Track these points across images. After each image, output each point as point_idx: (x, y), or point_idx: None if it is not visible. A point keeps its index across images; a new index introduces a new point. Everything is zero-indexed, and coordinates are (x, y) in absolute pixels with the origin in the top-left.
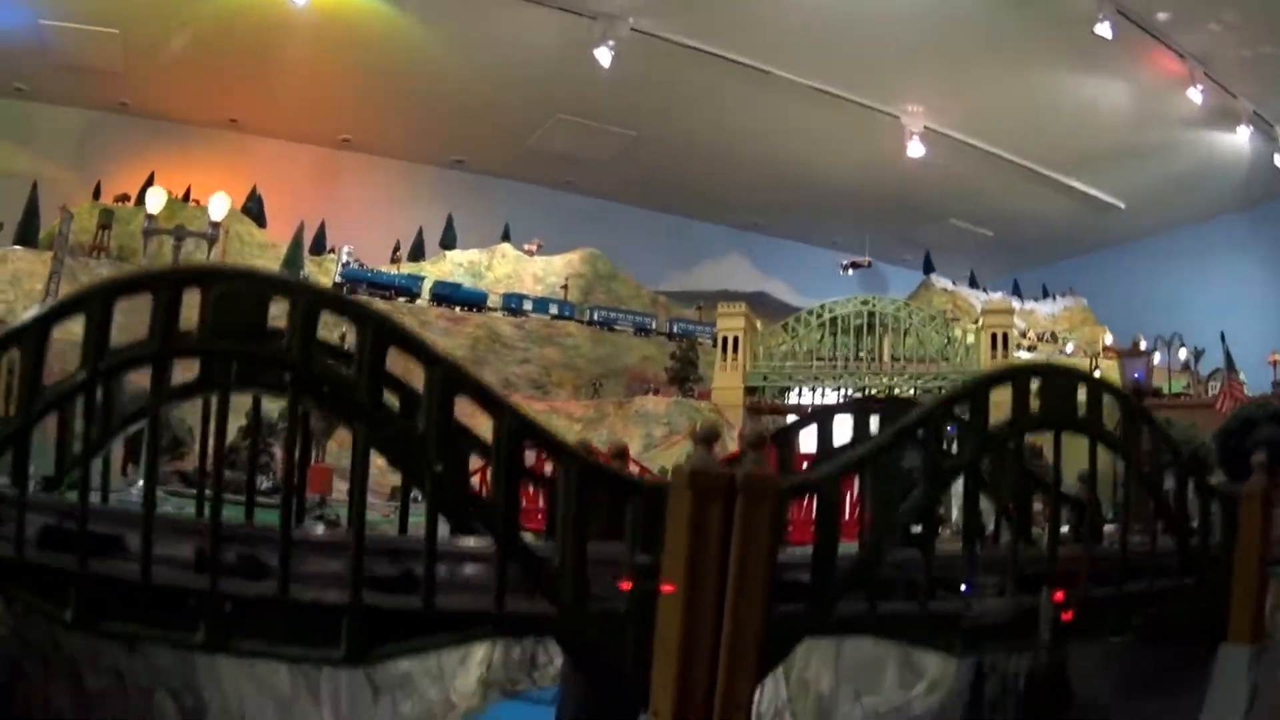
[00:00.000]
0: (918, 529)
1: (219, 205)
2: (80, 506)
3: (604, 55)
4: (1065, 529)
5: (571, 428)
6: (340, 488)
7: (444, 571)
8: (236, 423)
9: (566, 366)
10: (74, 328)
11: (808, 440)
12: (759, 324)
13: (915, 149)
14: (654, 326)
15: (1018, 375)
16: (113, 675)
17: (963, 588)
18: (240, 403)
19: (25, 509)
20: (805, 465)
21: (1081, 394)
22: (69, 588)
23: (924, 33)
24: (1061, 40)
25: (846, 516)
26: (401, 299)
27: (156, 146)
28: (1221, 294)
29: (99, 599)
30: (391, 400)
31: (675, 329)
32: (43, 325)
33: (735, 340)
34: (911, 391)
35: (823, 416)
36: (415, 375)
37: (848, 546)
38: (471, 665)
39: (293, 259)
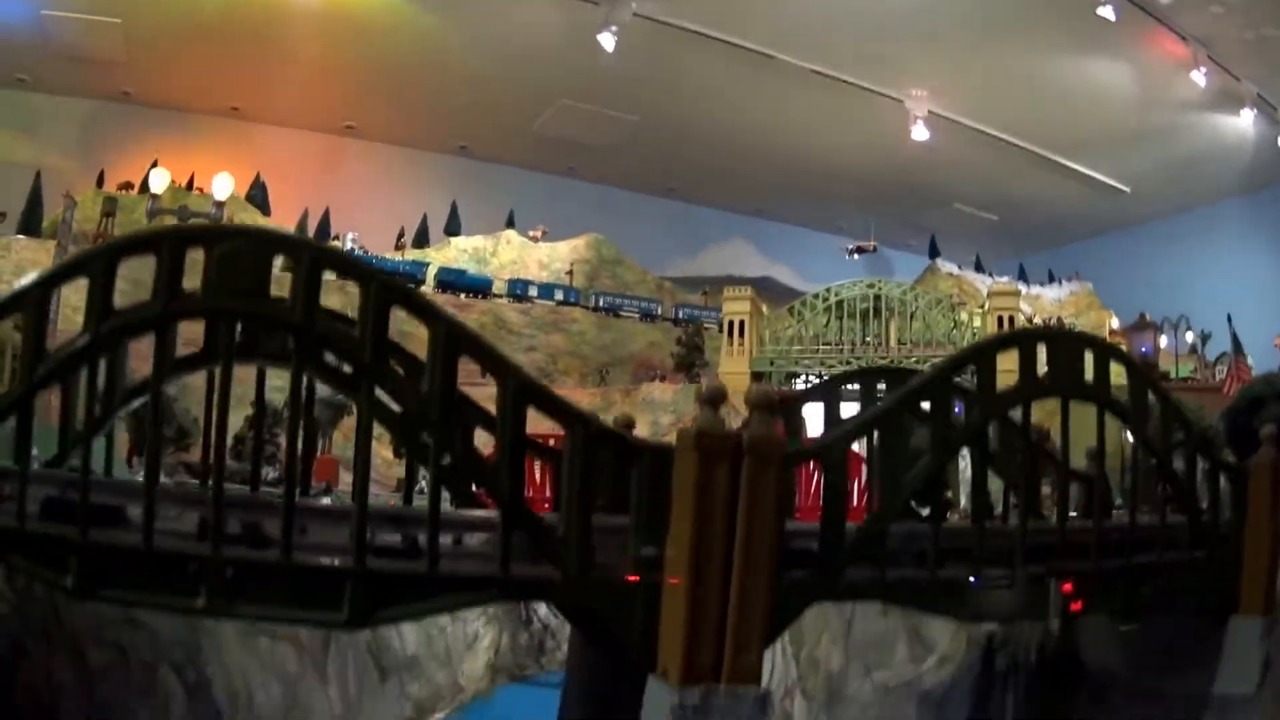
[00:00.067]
0: (925, 511)
1: (223, 185)
2: (82, 474)
3: (607, 40)
4: (1074, 513)
5: None
6: (346, 480)
7: (449, 541)
8: (242, 413)
9: (573, 354)
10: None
11: (814, 423)
12: (764, 308)
13: (919, 133)
14: (660, 312)
15: (1024, 339)
16: (115, 650)
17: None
18: (245, 394)
19: (28, 478)
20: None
21: (1089, 360)
22: (70, 556)
23: (927, 17)
24: (1064, 23)
25: (855, 503)
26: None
27: (159, 135)
28: (1227, 278)
29: (100, 567)
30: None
31: (681, 314)
32: (45, 288)
33: (741, 324)
34: None
35: (829, 387)
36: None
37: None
38: (479, 650)
39: None
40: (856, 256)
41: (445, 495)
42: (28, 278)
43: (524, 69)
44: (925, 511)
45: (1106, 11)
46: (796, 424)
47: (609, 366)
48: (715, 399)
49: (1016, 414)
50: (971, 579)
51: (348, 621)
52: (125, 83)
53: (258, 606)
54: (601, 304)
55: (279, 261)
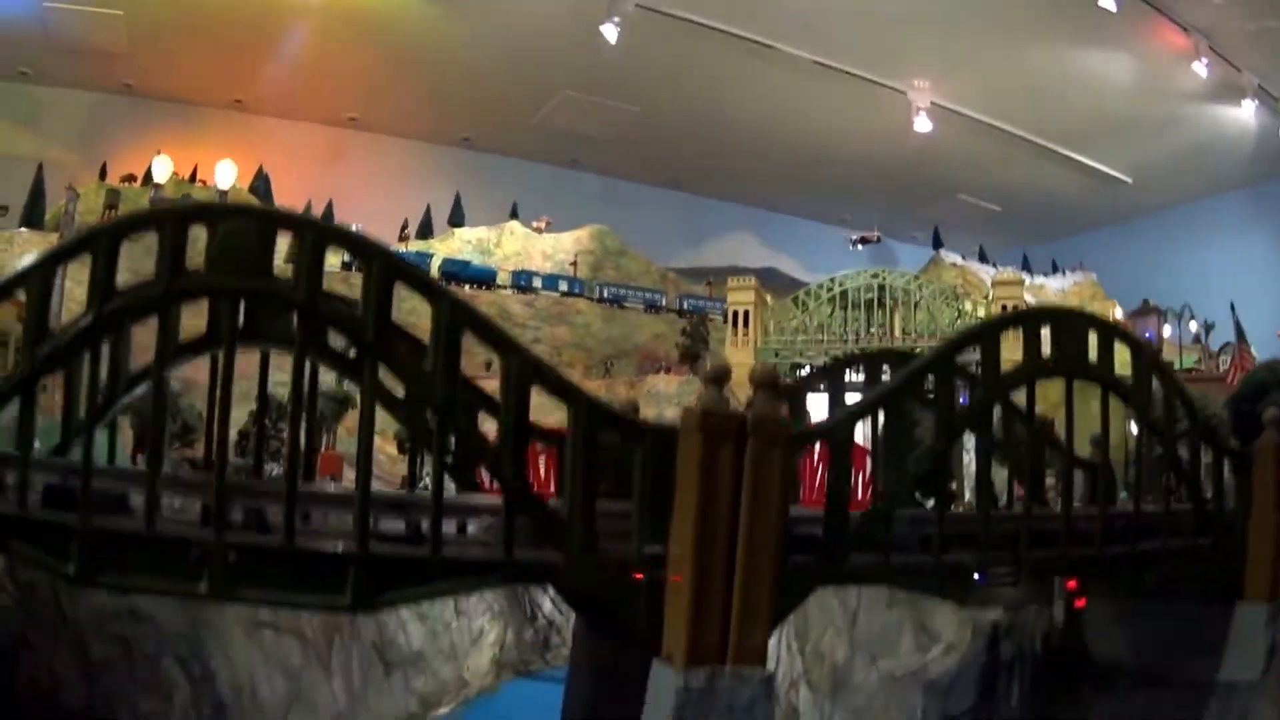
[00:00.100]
0: (930, 504)
1: (226, 173)
2: (84, 460)
3: (610, 32)
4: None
5: None
6: (350, 476)
7: (452, 530)
8: (246, 408)
9: (577, 346)
10: None
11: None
12: (769, 298)
13: (922, 124)
14: (664, 303)
15: (1028, 318)
16: (118, 643)
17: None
18: (250, 389)
19: (30, 464)
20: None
21: (1093, 340)
22: (71, 542)
23: (930, 7)
24: (1066, 14)
25: (860, 496)
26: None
27: (162, 127)
28: (1230, 269)
29: (101, 553)
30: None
31: (685, 305)
32: (49, 266)
33: (746, 314)
34: None
35: (833, 372)
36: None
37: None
38: (484, 646)
39: None
40: (860, 247)
41: (449, 488)
42: (29, 257)
43: (527, 60)
44: (930, 504)
45: (1107, 2)
46: (800, 410)
47: (614, 358)
48: (719, 377)
49: (1020, 400)
50: (977, 576)
51: (351, 605)
52: (127, 75)
53: (260, 591)
54: (606, 295)
55: (282, 252)
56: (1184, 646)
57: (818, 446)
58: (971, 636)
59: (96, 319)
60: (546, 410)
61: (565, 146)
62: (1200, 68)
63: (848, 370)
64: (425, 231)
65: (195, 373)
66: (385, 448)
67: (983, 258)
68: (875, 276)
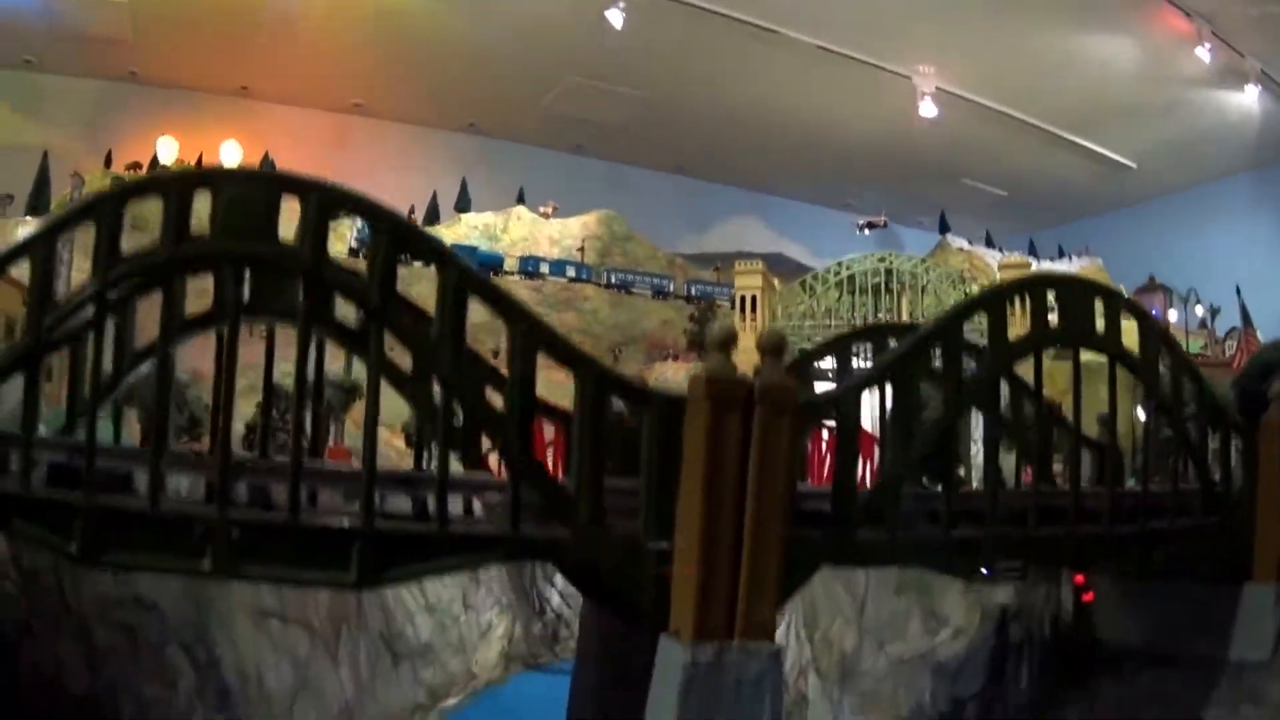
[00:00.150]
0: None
1: (231, 152)
2: (87, 437)
3: (615, 17)
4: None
5: None
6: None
7: (459, 511)
8: (254, 400)
9: (585, 333)
10: None
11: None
12: (776, 282)
13: (927, 109)
14: (672, 289)
15: (1034, 285)
16: (123, 631)
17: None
18: (257, 382)
19: (33, 441)
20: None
21: (1099, 309)
22: (74, 521)
23: None
24: None
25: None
26: (417, 263)
27: (167, 115)
28: (1235, 253)
29: (104, 531)
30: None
31: (693, 291)
32: (52, 234)
33: (753, 299)
34: None
35: (841, 345)
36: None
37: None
38: (493, 639)
39: None
40: (867, 231)
41: (455, 470)
42: (29, 226)
43: (532, 46)
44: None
45: None
46: (808, 384)
47: (621, 345)
48: (726, 342)
49: (1026, 375)
50: (985, 570)
51: (356, 582)
52: (132, 63)
53: (264, 568)
54: (613, 281)
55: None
56: (1192, 628)
57: (825, 434)
58: (980, 620)
59: (103, 284)
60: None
61: (571, 132)
62: (1203, 53)
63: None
64: (432, 217)
65: (203, 362)
66: (394, 441)
67: (989, 243)
68: (882, 260)
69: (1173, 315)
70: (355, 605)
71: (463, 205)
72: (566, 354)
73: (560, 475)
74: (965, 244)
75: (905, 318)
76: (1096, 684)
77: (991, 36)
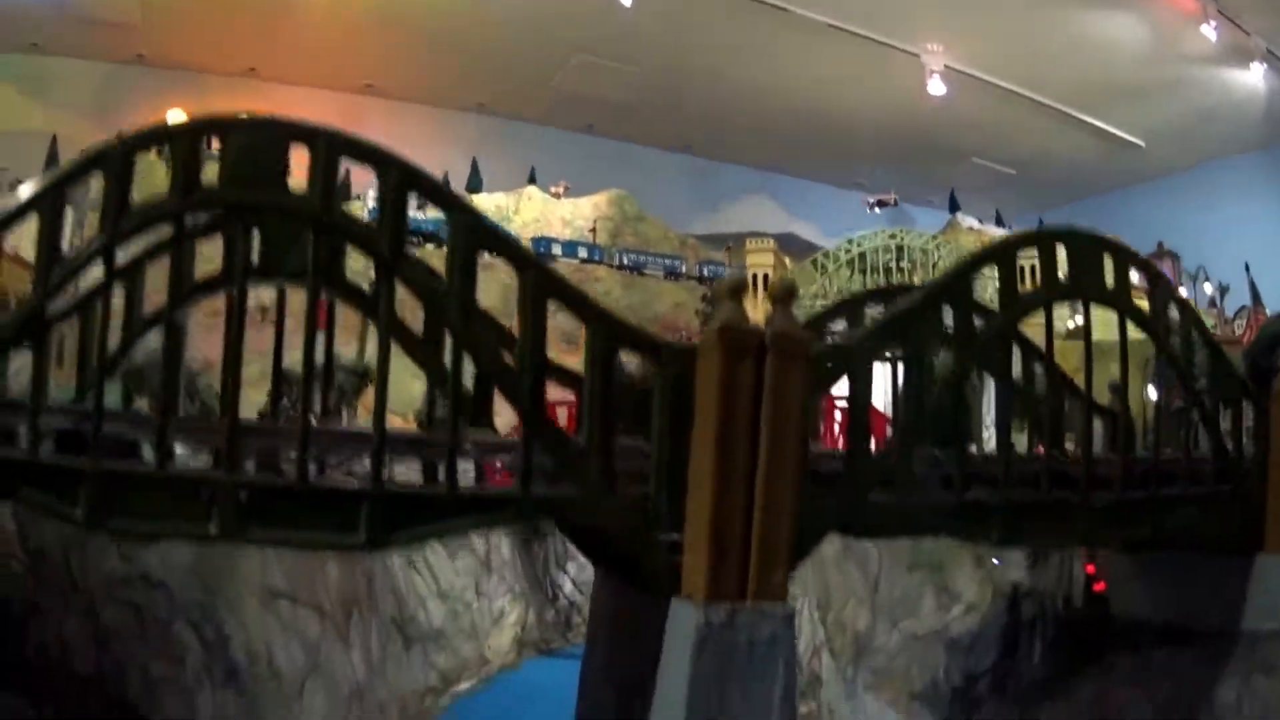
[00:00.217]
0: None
1: None
2: (95, 401)
3: None
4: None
5: None
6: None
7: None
8: (264, 390)
9: None
10: None
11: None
12: (788, 261)
13: (936, 87)
14: (684, 270)
15: (1043, 239)
16: (130, 608)
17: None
18: (266, 370)
19: (41, 407)
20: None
21: (1109, 264)
22: (81, 486)
23: None
24: None
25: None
26: (430, 245)
27: (175, 97)
28: (1243, 231)
29: (111, 496)
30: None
31: (705, 272)
32: (60, 189)
33: (765, 278)
34: None
35: (853, 306)
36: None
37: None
38: (505, 625)
39: None
40: (878, 210)
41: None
42: (28, 187)
43: (542, 25)
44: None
45: None
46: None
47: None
48: (736, 289)
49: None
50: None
51: (365, 543)
52: (140, 45)
53: (272, 531)
54: (625, 262)
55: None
56: (1204, 601)
57: (839, 415)
58: (992, 596)
59: (110, 238)
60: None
61: (582, 111)
62: (1209, 30)
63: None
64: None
65: (213, 351)
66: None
67: (999, 222)
68: (893, 237)
69: (1182, 292)
70: (366, 588)
71: (474, 186)
72: (577, 303)
73: None
74: (975, 223)
75: None
76: (1109, 658)
77: (999, 14)
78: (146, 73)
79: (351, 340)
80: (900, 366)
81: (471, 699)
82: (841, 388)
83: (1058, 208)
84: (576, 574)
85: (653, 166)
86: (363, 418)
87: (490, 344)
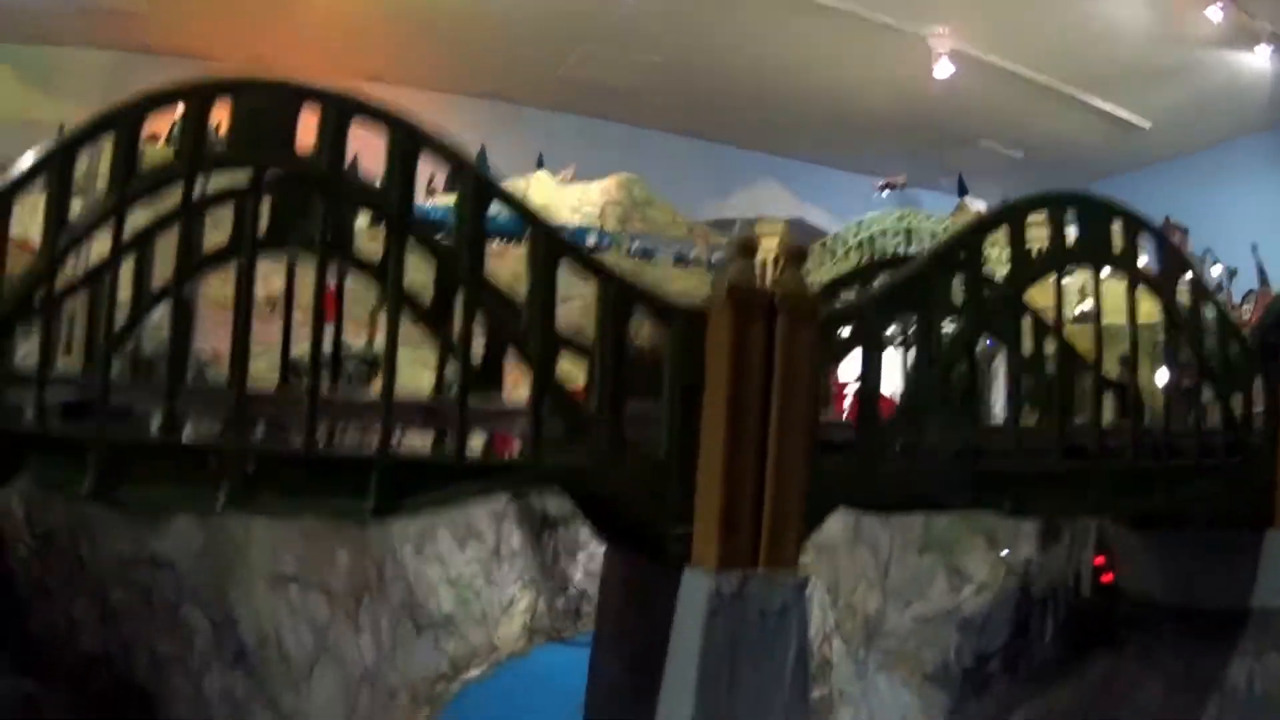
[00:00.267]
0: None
1: None
2: (101, 369)
3: None
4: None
5: None
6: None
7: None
8: (273, 383)
9: None
10: None
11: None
12: None
13: (943, 70)
14: (693, 255)
15: (1053, 201)
16: (137, 590)
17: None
18: (274, 359)
19: (47, 379)
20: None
21: (1118, 229)
22: (88, 457)
23: None
24: None
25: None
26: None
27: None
28: (1250, 214)
29: (119, 466)
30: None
31: (714, 258)
32: (69, 149)
33: (776, 261)
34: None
35: (866, 274)
36: None
37: None
38: (515, 613)
39: None
40: (886, 193)
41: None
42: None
43: (550, 9)
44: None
45: None
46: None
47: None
48: (746, 247)
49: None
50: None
51: (374, 510)
52: (146, 34)
53: (280, 500)
54: (634, 248)
55: None
56: (1215, 578)
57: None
58: (1004, 576)
59: (120, 199)
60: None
61: (590, 97)
62: (1214, 12)
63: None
64: (453, 185)
65: (221, 344)
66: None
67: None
68: (901, 219)
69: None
70: (376, 575)
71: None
72: (587, 263)
73: None
74: (984, 206)
75: None
76: (1120, 636)
77: None
78: (153, 62)
79: (361, 332)
80: (911, 352)
81: (482, 685)
82: (850, 372)
83: (1066, 191)
84: (587, 563)
85: (661, 151)
86: None
87: (500, 302)
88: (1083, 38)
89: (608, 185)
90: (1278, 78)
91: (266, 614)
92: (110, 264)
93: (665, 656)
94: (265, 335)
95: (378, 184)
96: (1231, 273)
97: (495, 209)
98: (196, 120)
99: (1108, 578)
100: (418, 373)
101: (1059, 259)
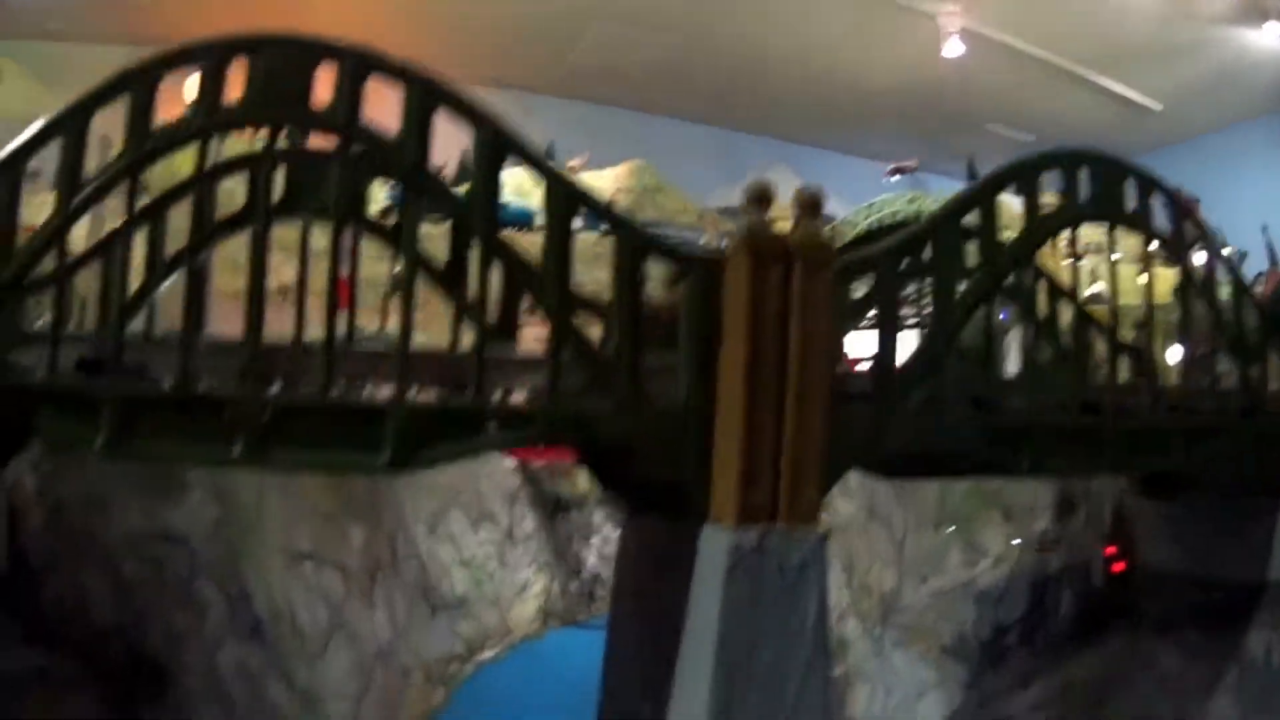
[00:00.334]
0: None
1: None
2: (116, 326)
3: None
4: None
5: None
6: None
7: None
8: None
9: None
10: None
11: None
12: None
13: (952, 49)
14: (704, 242)
15: (1065, 159)
16: (150, 564)
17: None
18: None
19: (60, 338)
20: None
21: (1131, 189)
22: (102, 410)
23: None
24: None
25: None
26: (449, 222)
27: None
28: (1260, 196)
29: (133, 420)
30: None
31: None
32: (85, 110)
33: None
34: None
35: (879, 235)
36: None
37: None
38: (529, 596)
39: None
40: (896, 177)
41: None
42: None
43: None
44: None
45: None
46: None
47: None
48: (761, 197)
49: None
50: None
51: (389, 462)
52: (158, 26)
53: (296, 452)
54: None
55: None
56: (1231, 550)
57: None
58: (1020, 547)
59: (135, 159)
60: None
61: (600, 84)
62: None
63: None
64: (463, 175)
65: (234, 333)
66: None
67: (1018, 190)
68: (911, 202)
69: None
70: (390, 554)
71: None
72: (603, 213)
73: None
74: None
75: None
76: (1140, 608)
77: None
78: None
79: (374, 319)
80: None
81: (496, 667)
82: (859, 348)
83: None
84: (600, 547)
85: (671, 139)
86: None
87: (515, 251)
88: (1093, 14)
89: (618, 172)
90: None
91: (280, 589)
92: (124, 229)
93: (683, 620)
94: (277, 324)
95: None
96: (1242, 255)
97: (507, 198)
98: (213, 80)
99: (1119, 567)
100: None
101: (1072, 216)
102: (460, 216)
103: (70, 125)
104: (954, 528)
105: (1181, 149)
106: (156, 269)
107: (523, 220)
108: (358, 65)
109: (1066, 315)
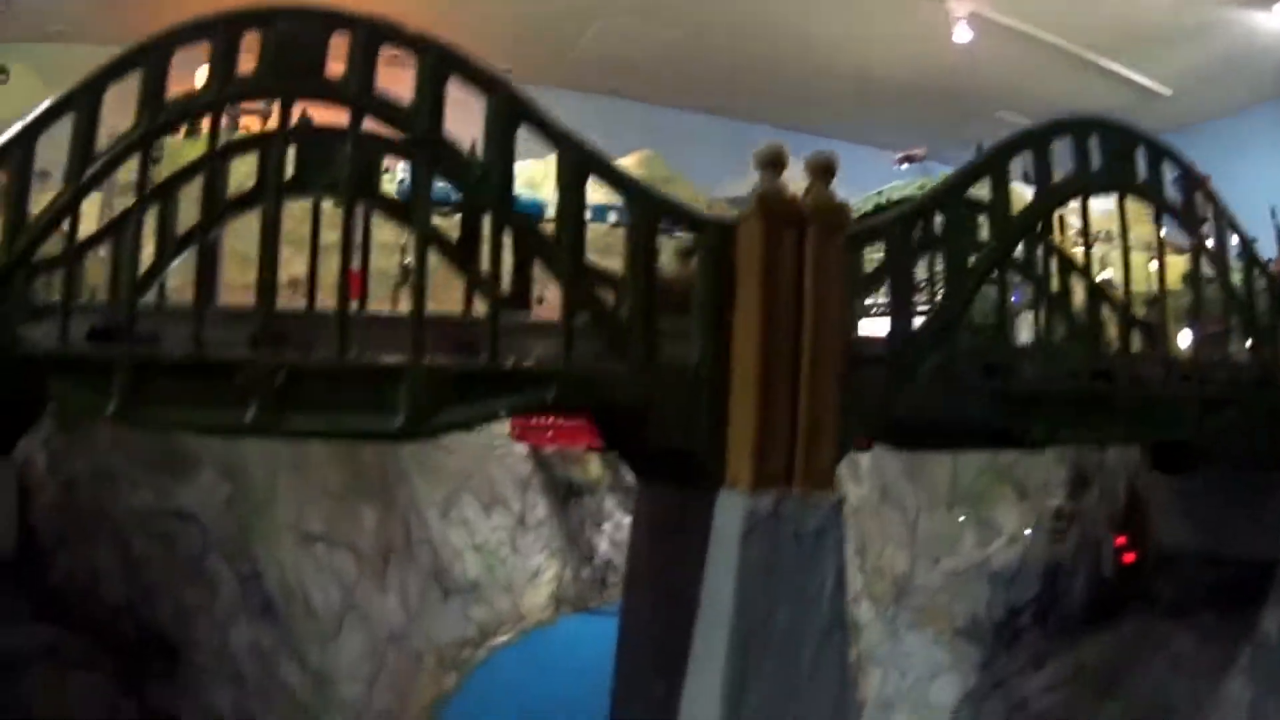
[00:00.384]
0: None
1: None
2: (128, 295)
3: None
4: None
5: None
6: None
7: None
8: None
9: None
10: None
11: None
12: None
13: (961, 33)
14: None
15: (1076, 126)
16: (161, 541)
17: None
18: None
19: (71, 308)
20: None
21: (1141, 157)
22: (114, 376)
23: None
24: None
25: None
26: (460, 214)
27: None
28: (1270, 183)
29: (145, 385)
30: None
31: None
32: (97, 84)
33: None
34: None
35: (890, 209)
36: None
37: None
38: (541, 583)
39: None
40: (905, 166)
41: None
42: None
43: None
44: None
45: None
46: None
47: None
48: (774, 161)
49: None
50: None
51: (402, 428)
52: (161, 25)
53: (309, 417)
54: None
55: None
56: (1247, 525)
57: None
58: (1034, 527)
59: (148, 131)
60: None
61: (607, 75)
62: None
63: None
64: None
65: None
66: None
67: (1027, 178)
68: (921, 188)
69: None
70: (404, 537)
71: None
72: (616, 177)
73: None
74: None
75: None
76: (1155, 587)
77: None
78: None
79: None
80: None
81: (508, 652)
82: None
83: None
84: (612, 533)
85: (680, 129)
86: None
87: (528, 221)
88: (1101, 1)
89: (628, 163)
90: None
91: (292, 569)
92: (137, 206)
93: (698, 590)
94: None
95: (400, 173)
96: (1252, 240)
97: (517, 191)
98: (226, 52)
99: (1129, 558)
100: None
101: (1084, 183)
102: (473, 185)
103: (83, 100)
104: (963, 518)
105: (1190, 134)
106: (168, 246)
107: (533, 212)
108: (370, 35)
109: (1079, 292)
